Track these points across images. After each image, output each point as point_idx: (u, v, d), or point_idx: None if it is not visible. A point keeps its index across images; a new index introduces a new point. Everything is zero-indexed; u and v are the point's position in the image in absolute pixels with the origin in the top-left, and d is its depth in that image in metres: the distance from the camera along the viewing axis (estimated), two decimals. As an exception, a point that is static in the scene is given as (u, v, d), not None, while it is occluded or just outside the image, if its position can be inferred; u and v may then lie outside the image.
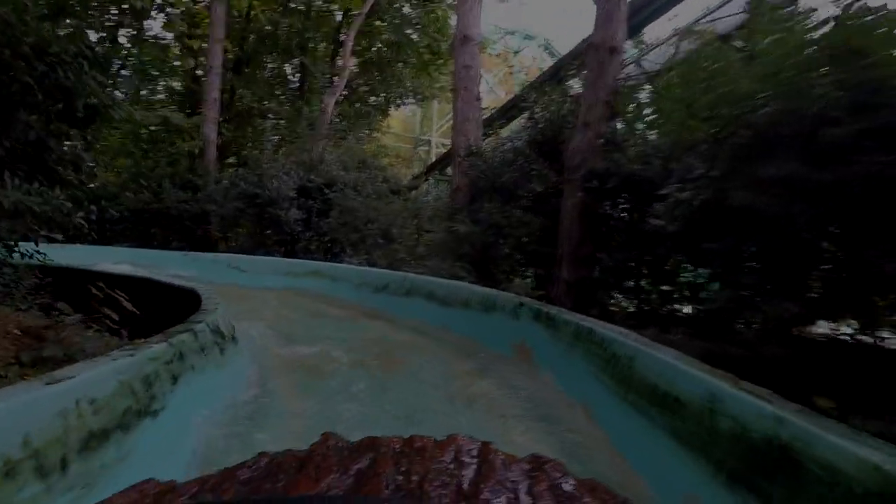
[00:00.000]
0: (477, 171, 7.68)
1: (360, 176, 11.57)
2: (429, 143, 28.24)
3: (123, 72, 16.86)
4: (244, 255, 10.04)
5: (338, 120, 17.81)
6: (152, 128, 14.84)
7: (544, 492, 0.52)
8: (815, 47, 2.71)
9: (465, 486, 0.52)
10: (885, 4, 2.46)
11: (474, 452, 0.58)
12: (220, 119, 14.50)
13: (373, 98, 20.05)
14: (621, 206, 4.90)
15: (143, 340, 2.28)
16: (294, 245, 11.25)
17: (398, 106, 21.52)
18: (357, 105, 19.81)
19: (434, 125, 28.10)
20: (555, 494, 0.52)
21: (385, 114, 20.95)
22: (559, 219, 5.28)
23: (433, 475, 0.52)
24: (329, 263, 9.14)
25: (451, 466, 0.54)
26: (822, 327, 2.90)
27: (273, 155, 14.18)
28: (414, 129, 28.92)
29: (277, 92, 19.79)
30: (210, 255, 10.52)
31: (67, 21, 11.53)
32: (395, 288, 6.32)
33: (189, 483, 0.50)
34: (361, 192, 10.93)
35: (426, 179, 16.63)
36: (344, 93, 17.22)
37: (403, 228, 9.80)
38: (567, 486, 0.54)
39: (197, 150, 13.61)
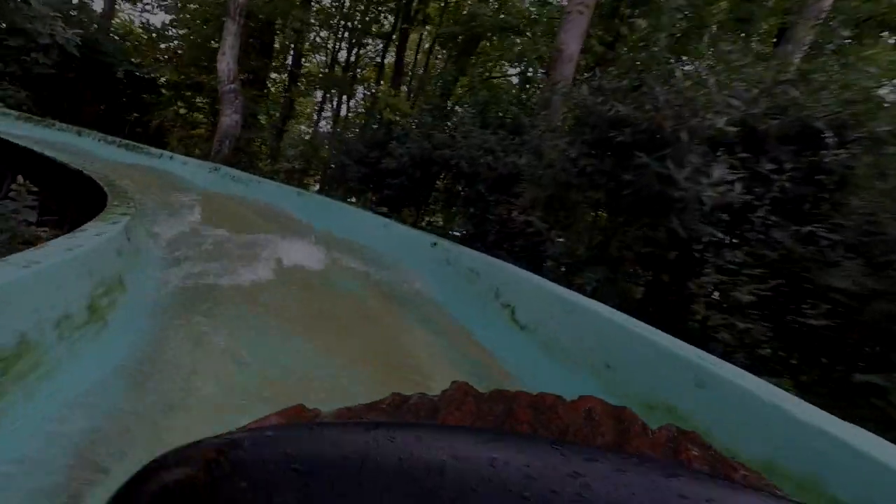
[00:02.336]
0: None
1: None
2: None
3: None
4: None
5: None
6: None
7: (693, 461, 0.50)
8: None
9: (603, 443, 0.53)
10: None
11: (610, 415, 0.57)
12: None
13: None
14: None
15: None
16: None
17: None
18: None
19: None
20: (712, 465, 0.49)
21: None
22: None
23: (572, 431, 0.52)
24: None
25: (587, 427, 0.53)
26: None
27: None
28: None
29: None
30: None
31: None
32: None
33: (332, 413, 0.53)
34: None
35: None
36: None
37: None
38: (717, 457, 0.51)
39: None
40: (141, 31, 16.38)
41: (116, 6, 16.60)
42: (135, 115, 15.02)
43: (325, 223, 7.17)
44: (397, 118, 11.13)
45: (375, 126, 11.39)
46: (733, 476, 0.45)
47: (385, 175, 9.95)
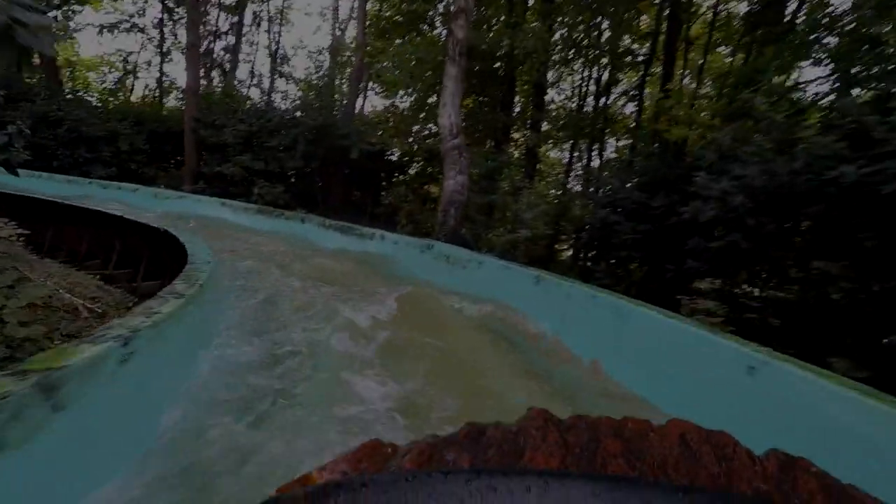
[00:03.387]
0: None
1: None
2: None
3: None
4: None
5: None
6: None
7: (818, 496, 0.44)
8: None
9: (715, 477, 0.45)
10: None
11: (706, 441, 0.50)
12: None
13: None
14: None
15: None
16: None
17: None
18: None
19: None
20: (829, 497, 0.43)
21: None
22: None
23: (671, 464, 0.46)
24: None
25: (686, 458, 0.47)
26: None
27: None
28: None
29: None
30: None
31: None
32: None
33: (407, 446, 0.48)
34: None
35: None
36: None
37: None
38: (836, 488, 0.45)
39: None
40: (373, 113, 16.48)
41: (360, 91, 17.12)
42: (382, 193, 14.57)
43: (629, 368, 3.42)
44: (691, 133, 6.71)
45: (654, 153, 7.21)
46: None
47: (687, 231, 5.62)
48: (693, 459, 0.47)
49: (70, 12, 23.69)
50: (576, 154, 16.20)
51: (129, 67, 25.75)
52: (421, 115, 14.47)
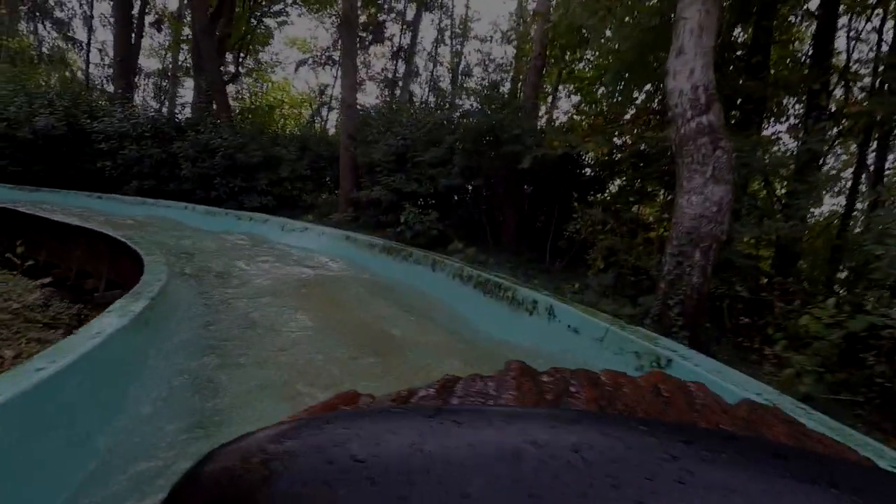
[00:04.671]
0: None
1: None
2: None
3: None
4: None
5: None
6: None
7: (783, 436, 0.47)
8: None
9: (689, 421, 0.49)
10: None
11: (686, 392, 0.54)
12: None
13: None
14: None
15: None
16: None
17: None
18: None
19: None
20: (794, 438, 0.47)
21: None
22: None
23: (641, 408, 0.49)
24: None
25: (657, 403, 0.50)
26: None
27: None
28: None
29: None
30: None
31: None
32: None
33: (385, 396, 0.50)
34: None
35: None
36: None
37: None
38: (803, 433, 0.49)
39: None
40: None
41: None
42: (573, 217, 10.51)
43: None
44: None
45: None
46: (818, 448, 0.44)
47: None
48: (665, 406, 0.49)
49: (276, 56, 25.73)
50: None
51: (325, 99, 26.98)
52: (634, 97, 9.94)
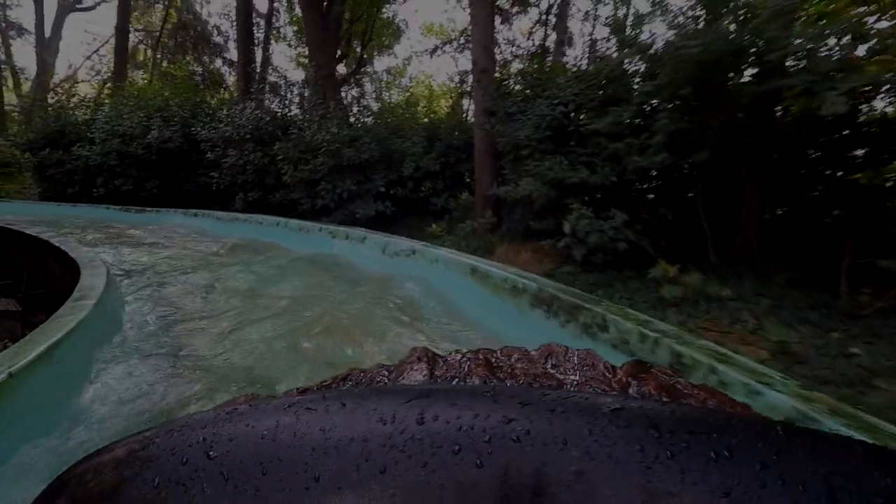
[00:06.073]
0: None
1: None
2: None
3: None
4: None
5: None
6: None
7: (654, 391, 0.49)
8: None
9: (569, 385, 0.51)
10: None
11: (574, 359, 0.57)
12: None
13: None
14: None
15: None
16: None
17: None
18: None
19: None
20: (669, 393, 0.49)
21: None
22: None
23: (534, 378, 0.51)
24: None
25: (552, 371, 0.53)
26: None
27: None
28: None
29: None
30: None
31: None
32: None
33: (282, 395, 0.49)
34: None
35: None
36: None
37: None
38: (680, 387, 0.51)
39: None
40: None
41: None
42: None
43: None
44: None
45: None
46: (688, 394, 0.48)
47: None
48: (556, 373, 0.52)
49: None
50: None
51: (466, 88, 24.11)
52: None
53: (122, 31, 18.64)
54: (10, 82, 21.40)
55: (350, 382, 0.51)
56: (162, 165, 11.24)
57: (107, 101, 14.40)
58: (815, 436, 0.36)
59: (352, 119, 10.53)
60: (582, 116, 7.10)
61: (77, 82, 23.50)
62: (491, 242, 8.02)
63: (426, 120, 13.30)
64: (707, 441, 0.33)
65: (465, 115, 22.12)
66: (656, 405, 0.40)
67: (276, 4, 19.93)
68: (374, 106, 19.87)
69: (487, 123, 8.61)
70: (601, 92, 6.74)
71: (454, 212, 10.27)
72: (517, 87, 8.86)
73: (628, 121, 6.03)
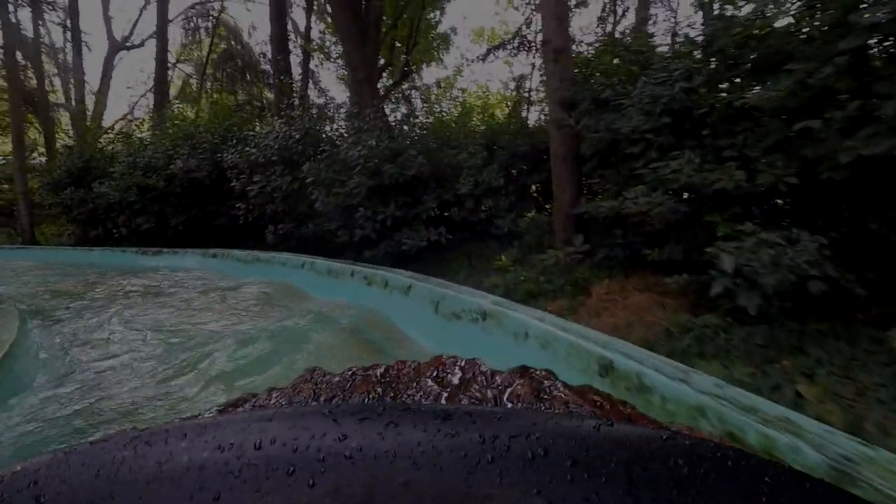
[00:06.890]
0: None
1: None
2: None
3: None
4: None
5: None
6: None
7: (528, 394, 0.51)
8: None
9: (446, 396, 0.52)
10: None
11: (458, 368, 0.58)
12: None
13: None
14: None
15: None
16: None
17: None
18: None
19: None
20: (539, 397, 0.51)
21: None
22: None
23: (414, 393, 0.52)
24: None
25: (434, 386, 0.54)
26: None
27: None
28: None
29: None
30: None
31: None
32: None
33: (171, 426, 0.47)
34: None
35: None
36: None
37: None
38: (556, 392, 0.53)
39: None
40: None
41: None
42: None
43: None
44: None
45: None
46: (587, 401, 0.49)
47: None
48: (443, 383, 0.53)
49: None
50: None
51: (524, 94, 21.96)
52: None
53: (161, 63, 18.25)
54: (62, 123, 21.92)
55: (242, 407, 0.50)
56: (188, 198, 9.93)
57: (138, 133, 13.57)
58: (626, 430, 0.39)
59: (395, 132, 8.75)
60: (722, 89, 4.82)
61: (132, 120, 23.65)
62: (584, 279, 5.81)
63: (483, 127, 11.31)
64: (527, 442, 0.35)
65: (524, 124, 19.83)
66: (485, 411, 0.40)
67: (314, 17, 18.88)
68: (425, 121, 18.22)
69: (567, 118, 6.47)
70: (759, 46, 4.42)
71: (524, 236, 8.15)
72: (616, 60, 6.65)
73: (821, 84, 3.70)
